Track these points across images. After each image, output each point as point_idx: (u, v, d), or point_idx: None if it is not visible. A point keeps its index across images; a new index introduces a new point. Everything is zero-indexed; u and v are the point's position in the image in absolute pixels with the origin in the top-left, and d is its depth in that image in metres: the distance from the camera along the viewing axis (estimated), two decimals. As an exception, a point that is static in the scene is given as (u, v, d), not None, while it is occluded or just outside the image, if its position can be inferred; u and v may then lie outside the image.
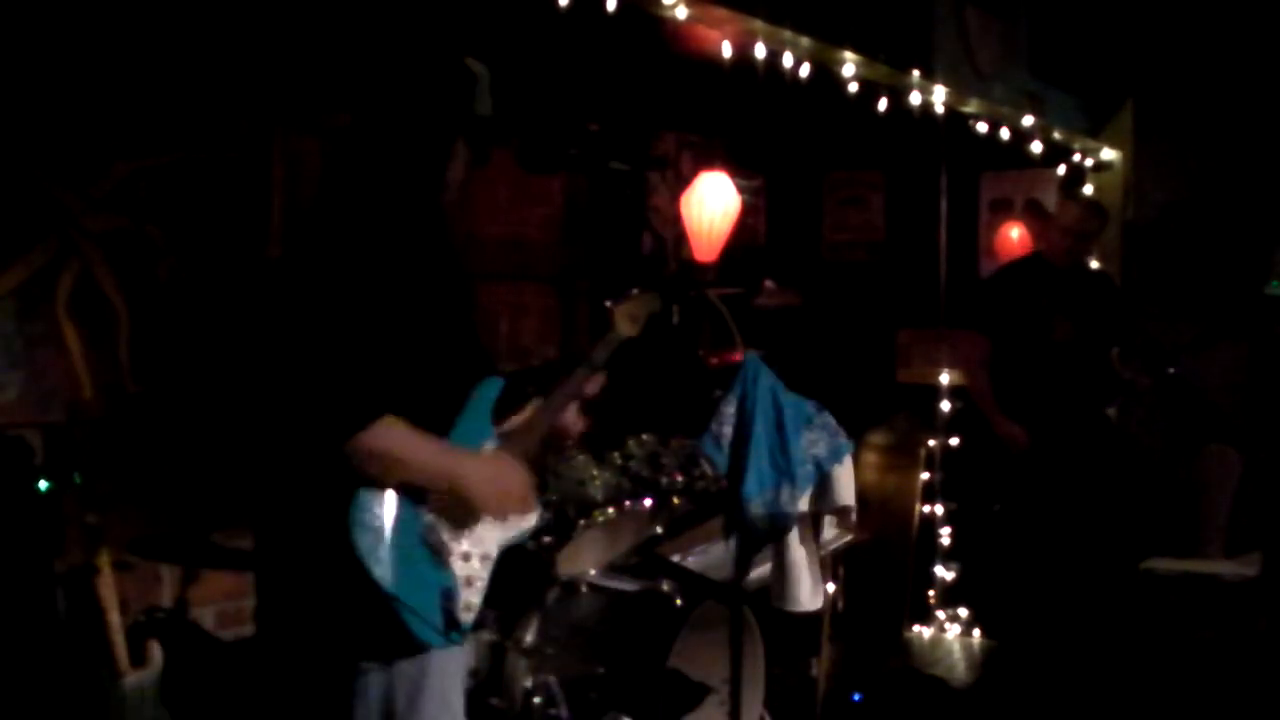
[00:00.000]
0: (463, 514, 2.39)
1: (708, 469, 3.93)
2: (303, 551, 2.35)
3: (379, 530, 2.26)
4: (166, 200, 4.03)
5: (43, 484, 3.43)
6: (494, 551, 2.45)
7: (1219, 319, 6.07)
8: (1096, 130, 6.26)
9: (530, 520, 2.58)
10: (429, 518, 2.34)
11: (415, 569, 2.29)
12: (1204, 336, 6.00)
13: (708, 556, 4.22)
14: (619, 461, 3.86)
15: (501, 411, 2.61)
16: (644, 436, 4.00)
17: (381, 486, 2.28)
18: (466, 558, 2.38)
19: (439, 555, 2.33)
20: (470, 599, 2.36)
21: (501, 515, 2.45)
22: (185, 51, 3.87)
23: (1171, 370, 5.40)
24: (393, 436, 2.27)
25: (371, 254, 2.33)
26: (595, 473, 3.73)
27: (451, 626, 2.31)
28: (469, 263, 5.08)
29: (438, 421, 2.38)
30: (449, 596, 2.32)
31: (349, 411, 2.23)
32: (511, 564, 2.73)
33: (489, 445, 2.52)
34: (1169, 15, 6.13)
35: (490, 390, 2.54)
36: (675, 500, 3.88)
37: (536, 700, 3.43)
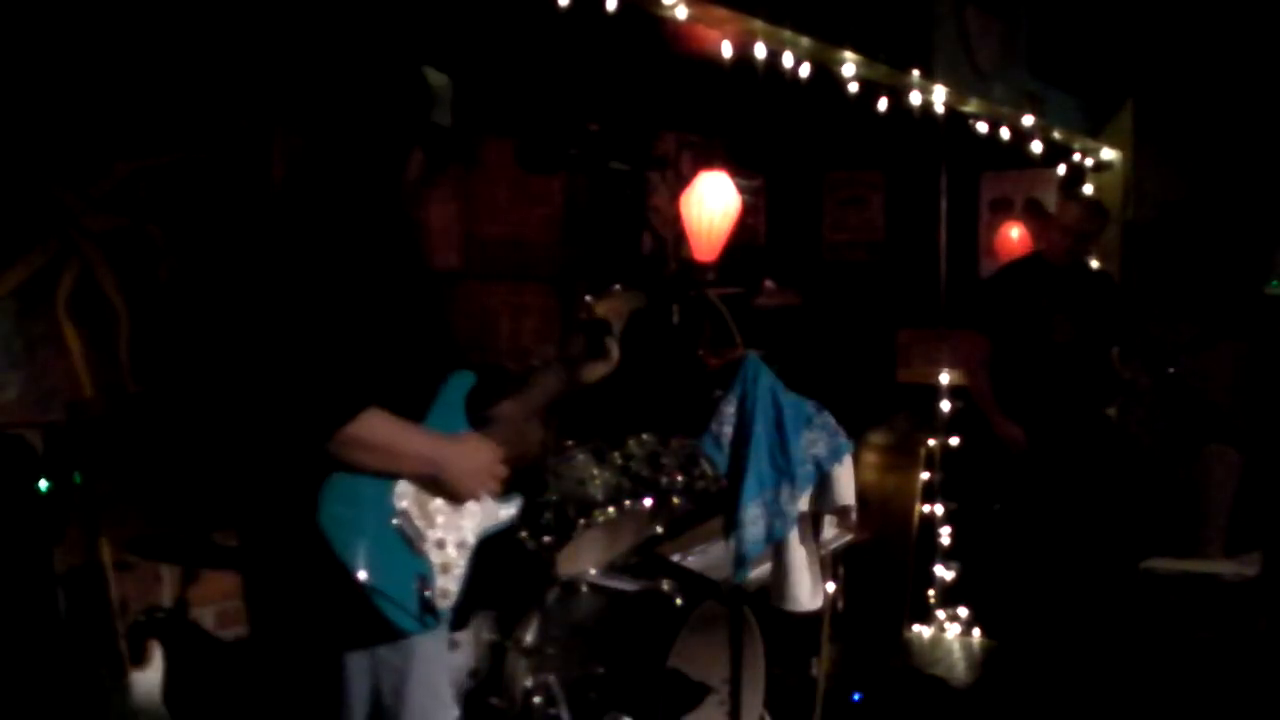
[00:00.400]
0: (440, 498, 2.42)
1: (708, 469, 3.93)
2: (279, 543, 2.37)
3: (351, 518, 2.28)
4: (166, 200, 4.04)
5: (43, 484, 3.44)
6: (471, 540, 2.47)
7: (1219, 319, 6.07)
8: (1096, 130, 6.26)
9: (509, 510, 2.60)
10: (402, 505, 2.36)
11: (389, 556, 2.31)
12: (1204, 336, 5.99)
13: (708, 556, 4.22)
14: (619, 461, 3.86)
15: (484, 404, 2.63)
16: (644, 436, 4.00)
17: (361, 474, 2.31)
18: (441, 545, 2.40)
19: (412, 542, 2.35)
20: (447, 586, 2.38)
21: (477, 497, 2.48)
22: (185, 51, 3.87)
23: (1171, 370, 5.40)
24: (377, 426, 2.31)
25: (329, 253, 2.37)
26: (595, 473, 3.73)
27: (428, 612, 2.33)
28: (474, 262, 5.10)
29: (408, 413, 2.41)
30: (424, 583, 2.33)
31: (333, 404, 2.27)
32: (511, 564, 2.73)
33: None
34: (1169, 15, 6.13)
35: (461, 383, 2.57)
36: (675, 500, 3.88)
37: (536, 700, 3.43)
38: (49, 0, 3.60)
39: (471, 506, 2.49)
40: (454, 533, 2.44)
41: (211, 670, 3.38)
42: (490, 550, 2.53)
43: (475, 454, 2.49)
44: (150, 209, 4.00)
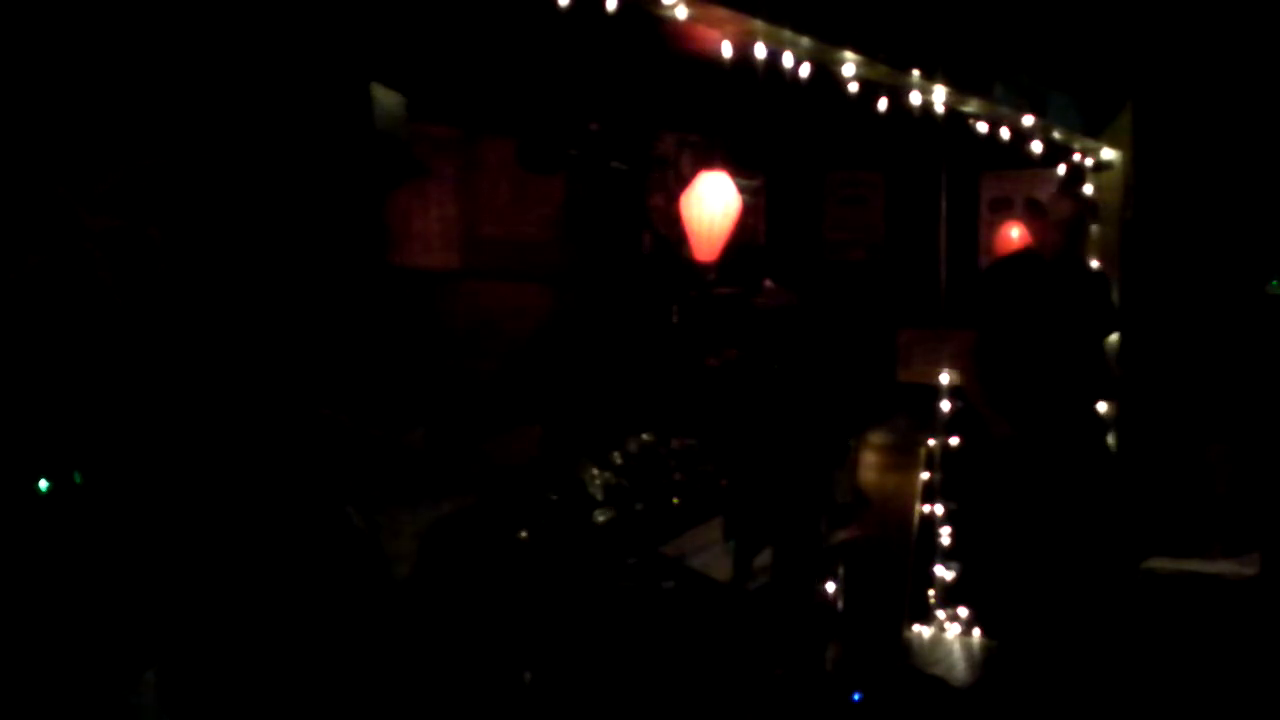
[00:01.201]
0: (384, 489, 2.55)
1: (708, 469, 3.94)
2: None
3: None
4: (166, 200, 4.03)
5: (43, 484, 3.43)
6: (421, 525, 2.61)
7: (1219, 319, 6.07)
8: (1096, 130, 6.25)
9: (454, 504, 2.68)
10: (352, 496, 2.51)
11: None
12: (1204, 336, 5.99)
13: (708, 556, 4.22)
14: (619, 461, 3.86)
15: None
16: (644, 436, 4.00)
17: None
18: (396, 535, 2.55)
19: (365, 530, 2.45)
20: (399, 573, 2.53)
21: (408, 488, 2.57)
22: (185, 51, 3.87)
23: (1166, 370, 5.39)
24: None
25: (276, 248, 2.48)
26: (595, 472, 3.73)
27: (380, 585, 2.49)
28: (474, 262, 5.09)
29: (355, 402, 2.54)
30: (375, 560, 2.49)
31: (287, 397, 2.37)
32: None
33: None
34: (1169, 16, 6.13)
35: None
36: (675, 500, 3.88)
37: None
38: (50, 1, 3.60)
39: (425, 499, 2.59)
40: (408, 524, 2.53)
41: (211, 670, 3.38)
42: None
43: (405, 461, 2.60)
44: (150, 209, 3.99)
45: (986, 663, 5.47)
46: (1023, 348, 5.16)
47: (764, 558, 3.83)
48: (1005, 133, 5.56)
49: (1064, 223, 5.19)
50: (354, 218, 2.67)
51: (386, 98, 2.65)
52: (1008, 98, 5.48)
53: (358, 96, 2.63)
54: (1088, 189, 6.22)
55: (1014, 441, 5.14)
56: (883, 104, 4.79)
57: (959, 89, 5.06)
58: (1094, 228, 5.74)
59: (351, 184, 2.64)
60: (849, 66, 4.48)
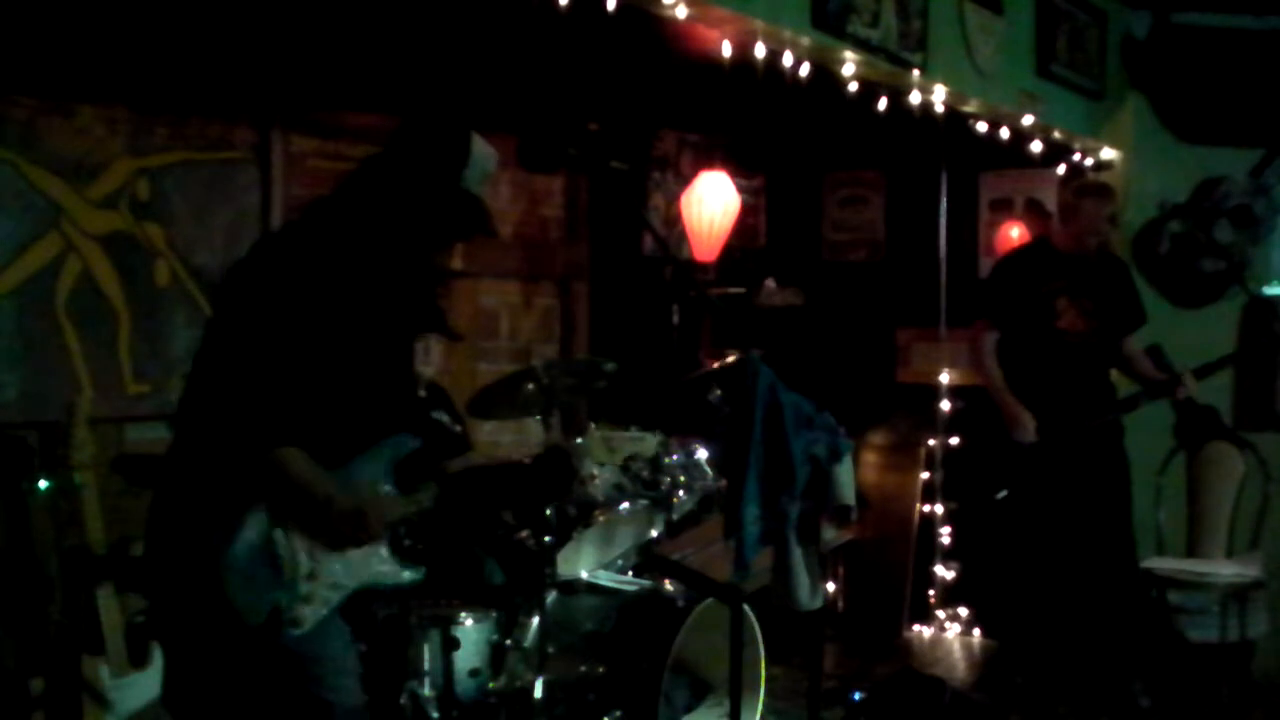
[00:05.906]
0: (317, 536, 2.54)
1: (708, 469, 3.93)
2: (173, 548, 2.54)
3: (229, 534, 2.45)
4: (166, 200, 4.04)
5: (42, 484, 3.44)
6: (349, 584, 2.59)
7: (1218, 318, 6.06)
8: (1096, 130, 6.25)
9: (412, 574, 2.72)
10: (277, 533, 2.49)
11: (256, 573, 2.47)
12: (1203, 337, 5.97)
13: (708, 556, 4.21)
14: (619, 461, 3.85)
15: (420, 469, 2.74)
16: (644, 437, 3.99)
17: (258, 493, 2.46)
18: (311, 577, 2.52)
19: (283, 564, 2.49)
20: (300, 613, 2.49)
21: (340, 546, 2.57)
22: (185, 51, 3.87)
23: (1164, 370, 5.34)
24: (288, 461, 2.44)
25: (322, 293, 2.51)
26: (595, 473, 3.73)
27: (274, 627, 2.47)
28: (474, 262, 5.09)
29: (333, 455, 2.55)
30: (277, 605, 2.48)
31: (259, 430, 2.42)
32: (512, 565, 2.75)
33: (384, 489, 2.68)
34: (1166, 15, 6.13)
35: (400, 445, 2.71)
36: (675, 500, 3.88)
37: (536, 698, 3.43)
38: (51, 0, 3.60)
39: (358, 555, 2.58)
40: (330, 574, 2.55)
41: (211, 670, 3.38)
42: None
43: (358, 518, 2.55)
44: (150, 209, 4.00)
45: (986, 663, 5.47)
46: (1042, 342, 5.06)
47: (764, 558, 3.82)
48: (1005, 133, 5.55)
49: (1104, 217, 5.09)
50: (410, 264, 2.66)
51: (481, 148, 2.62)
52: (1008, 97, 5.46)
53: (457, 144, 2.60)
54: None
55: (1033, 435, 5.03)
56: (883, 104, 4.79)
57: (958, 89, 5.05)
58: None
59: (422, 235, 2.63)
60: (849, 66, 4.48)
